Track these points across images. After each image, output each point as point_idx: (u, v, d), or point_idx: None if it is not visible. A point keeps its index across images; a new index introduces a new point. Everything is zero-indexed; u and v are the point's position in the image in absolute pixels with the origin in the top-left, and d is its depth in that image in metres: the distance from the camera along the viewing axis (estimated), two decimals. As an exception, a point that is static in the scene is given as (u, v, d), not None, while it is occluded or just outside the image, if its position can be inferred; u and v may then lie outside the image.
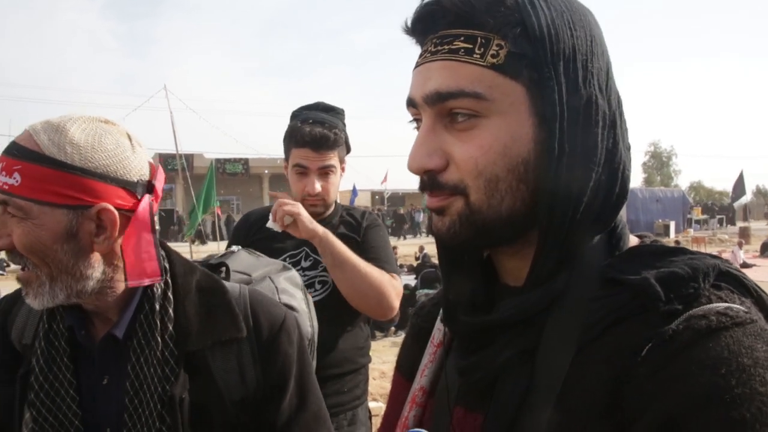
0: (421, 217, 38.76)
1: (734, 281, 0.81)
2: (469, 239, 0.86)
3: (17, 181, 1.20)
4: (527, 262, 0.86)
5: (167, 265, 1.41)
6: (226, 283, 1.49)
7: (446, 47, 0.84)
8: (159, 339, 1.33)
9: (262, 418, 1.41)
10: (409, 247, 25.68)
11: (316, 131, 2.58)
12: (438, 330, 1.04)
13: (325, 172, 2.62)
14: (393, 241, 29.16)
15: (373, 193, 50.02)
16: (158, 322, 1.34)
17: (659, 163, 70.60)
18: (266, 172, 45.38)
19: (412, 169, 0.86)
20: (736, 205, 43.13)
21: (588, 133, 0.82)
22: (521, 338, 0.83)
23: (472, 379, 0.89)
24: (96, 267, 1.30)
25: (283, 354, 1.43)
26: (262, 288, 1.74)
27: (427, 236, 35.27)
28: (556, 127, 0.81)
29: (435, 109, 0.84)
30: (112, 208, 1.27)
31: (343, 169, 2.75)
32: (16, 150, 1.22)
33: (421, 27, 0.88)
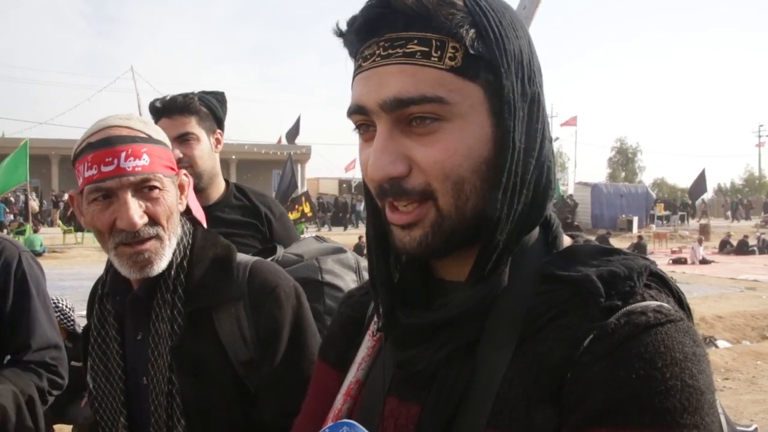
0: (362, 207, 38.58)
1: (661, 281, 0.86)
2: (440, 248, 0.87)
3: (147, 162, 1.46)
4: (465, 257, 0.89)
5: (190, 239, 1.63)
6: (239, 255, 1.66)
7: (399, 51, 0.82)
8: (170, 299, 1.54)
9: (259, 376, 1.54)
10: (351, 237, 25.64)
11: (166, 98, 2.56)
12: (375, 323, 1.03)
13: (185, 140, 2.51)
14: (337, 232, 29.05)
15: (341, 181, 49.88)
16: (171, 285, 1.55)
17: (625, 159, 71.59)
18: (234, 157, 44.92)
19: (377, 178, 0.85)
20: (697, 202, 43.90)
21: (530, 129, 0.86)
22: (463, 332, 0.85)
23: (412, 371, 0.89)
24: (180, 225, 1.60)
25: (270, 316, 1.56)
26: (306, 267, 1.97)
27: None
28: (511, 125, 0.83)
29: (393, 115, 0.83)
30: (186, 172, 1.63)
31: (218, 142, 2.66)
32: (138, 138, 1.47)
33: (366, 30, 0.86)
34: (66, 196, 31.94)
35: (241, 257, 1.66)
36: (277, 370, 1.54)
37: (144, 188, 1.46)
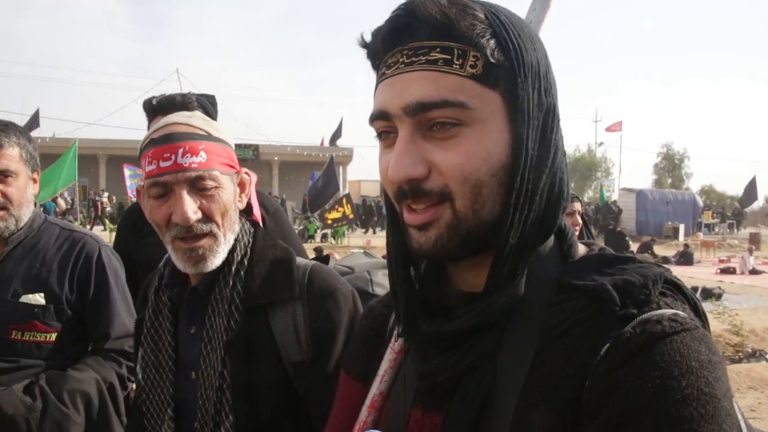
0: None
1: (676, 289, 0.87)
2: (455, 250, 0.89)
3: (204, 158, 1.49)
4: (482, 268, 0.90)
5: (250, 239, 1.67)
6: (298, 258, 1.69)
7: (423, 58, 0.85)
8: (229, 295, 1.57)
9: (308, 378, 1.55)
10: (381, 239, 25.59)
11: (163, 96, 2.62)
12: (396, 332, 1.05)
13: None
14: (360, 235, 29.11)
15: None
16: (231, 282, 1.58)
17: (671, 165, 70.23)
18: (276, 158, 45.42)
19: (397, 178, 0.87)
20: (747, 210, 42.83)
21: (545, 138, 0.89)
22: (483, 342, 0.88)
23: (434, 382, 0.91)
24: (238, 222, 1.63)
25: (329, 318, 1.58)
26: (357, 278, 1.98)
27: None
28: (524, 133, 0.86)
29: (415, 119, 0.86)
30: (247, 170, 1.65)
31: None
32: (196, 135, 1.50)
33: (391, 39, 0.89)
34: (101, 197, 32.69)
35: (300, 260, 1.69)
36: (328, 372, 1.54)
37: (199, 184, 1.49)
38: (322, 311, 1.58)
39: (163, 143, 1.48)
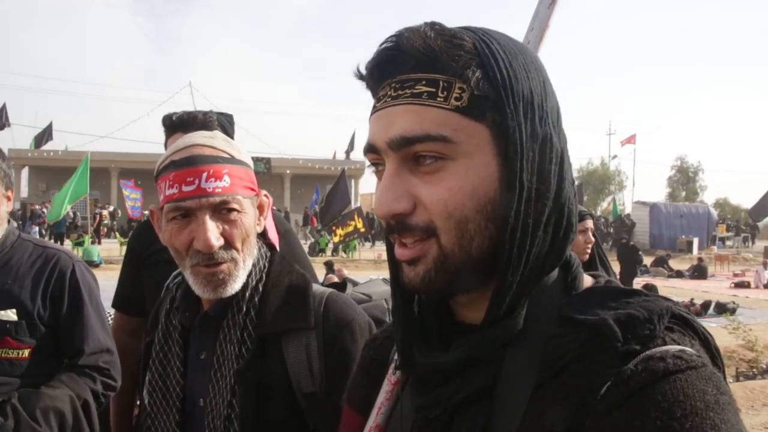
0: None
1: (684, 324, 0.83)
2: (443, 287, 0.87)
3: (228, 183, 1.46)
4: (481, 302, 0.88)
5: (266, 263, 1.64)
6: (314, 285, 1.66)
7: (408, 91, 0.85)
8: (241, 321, 1.53)
9: (321, 411, 1.50)
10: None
11: (184, 113, 2.59)
12: (393, 363, 1.04)
13: None
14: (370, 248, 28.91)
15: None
16: (244, 307, 1.54)
17: (685, 178, 69.84)
18: (288, 172, 45.54)
19: (380, 214, 0.86)
20: (761, 223, 42.48)
21: (542, 170, 0.86)
22: (479, 375, 0.85)
23: (430, 416, 0.90)
24: (256, 246, 1.60)
25: (342, 349, 1.53)
26: (374, 306, 1.92)
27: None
28: (517, 165, 0.83)
29: (400, 153, 0.85)
30: (266, 192, 1.62)
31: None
32: (220, 158, 1.47)
33: (378, 72, 0.89)
34: (100, 211, 32.69)
35: (316, 288, 1.66)
36: (341, 405, 1.50)
37: (223, 210, 1.46)
38: (336, 342, 1.54)
39: (186, 166, 1.44)
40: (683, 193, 66.75)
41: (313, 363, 1.51)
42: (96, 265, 20.44)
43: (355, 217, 25.38)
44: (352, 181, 43.01)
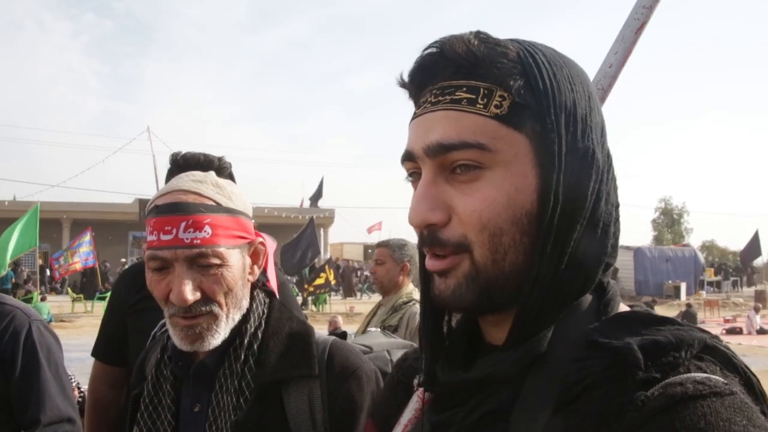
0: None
1: (721, 357, 0.80)
2: (474, 302, 0.87)
3: (209, 233, 1.44)
4: (508, 322, 0.88)
5: (265, 309, 1.63)
6: (317, 332, 1.65)
7: (448, 97, 0.86)
8: (239, 370, 1.52)
9: None
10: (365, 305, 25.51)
11: (200, 155, 2.52)
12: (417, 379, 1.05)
13: None
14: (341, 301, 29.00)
15: (366, 247, 49.93)
16: (242, 356, 1.53)
17: (670, 221, 70.95)
18: (253, 222, 45.32)
19: (414, 223, 0.87)
20: (756, 264, 43.15)
21: (580, 185, 0.86)
22: (497, 396, 0.85)
23: None
24: (247, 297, 1.59)
25: (350, 399, 1.53)
26: (377, 358, 1.89)
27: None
28: (554, 178, 0.84)
29: (436, 161, 0.86)
30: (262, 240, 1.61)
31: None
32: (203, 207, 1.46)
33: (420, 78, 0.91)
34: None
35: (319, 334, 1.65)
36: None
37: (201, 262, 1.44)
38: (342, 391, 1.53)
39: (166, 213, 1.44)
40: (669, 236, 67.71)
41: (316, 413, 1.50)
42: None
43: (326, 269, 25.34)
44: (321, 230, 42.92)
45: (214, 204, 1.49)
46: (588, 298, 0.89)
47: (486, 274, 0.85)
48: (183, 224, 1.42)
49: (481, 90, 0.85)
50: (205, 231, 1.44)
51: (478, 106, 0.85)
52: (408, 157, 0.91)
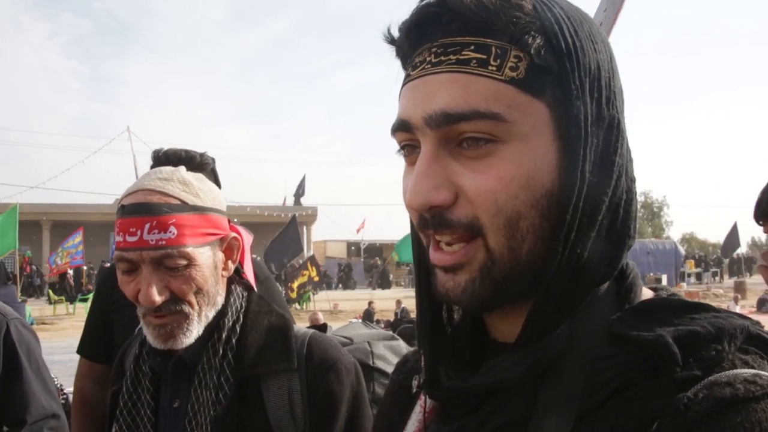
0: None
1: (766, 346, 0.71)
2: (488, 299, 0.77)
3: (174, 234, 1.42)
4: (519, 315, 0.78)
5: (243, 303, 1.62)
6: (295, 326, 1.66)
7: (453, 57, 0.74)
8: (218, 365, 1.51)
9: None
10: (386, 302, 25.57)
11: (181, 151, 2.57)
12: (415, 380, 0.96)
13: None
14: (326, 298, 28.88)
15: (349, 244, 49.91)
16: (221, 350, 1.53)
17: (650, 214, 71.41)
18: (235, 220, 44.99)
19: (415, 205, 0.76)
20: (737, 255, 43.57)
21: (605, 160, 0.76)
22: (511, 404, 0.75)
23: None
24: (222, 293, 1.57)
25: (327, 392, 1.53)
26: (357, 350, 1.92)
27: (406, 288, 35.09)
28: (580, 153, 0.74)
29: (440, 132, 0.74)
30: (236, 235, 1.58)
31: None
32: (167, 207, 1.44)
33: (417, 34, 0.78)
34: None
35: (298, 328, 1.65)
36: None
37: (168, 263, 1.43)
38: (321, 385, 1.53)
39: (131, 215, 1.43)
40: (649, 229, 68.17)
41: (295, 407, 1.50)
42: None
43: (309, 266, 25.32)
44: (304, 227, 42.83)
45: (179, 203, 1.47)
46: (606, 284, 0.79)
47: (501, 266, 0.75)
48: (147, 225, 1.41)
49: (493, 49, 0.73)
50: (170, 231, 1.42)
51: (490, 68, 0.72)
52: (402, 127, 0.78)
